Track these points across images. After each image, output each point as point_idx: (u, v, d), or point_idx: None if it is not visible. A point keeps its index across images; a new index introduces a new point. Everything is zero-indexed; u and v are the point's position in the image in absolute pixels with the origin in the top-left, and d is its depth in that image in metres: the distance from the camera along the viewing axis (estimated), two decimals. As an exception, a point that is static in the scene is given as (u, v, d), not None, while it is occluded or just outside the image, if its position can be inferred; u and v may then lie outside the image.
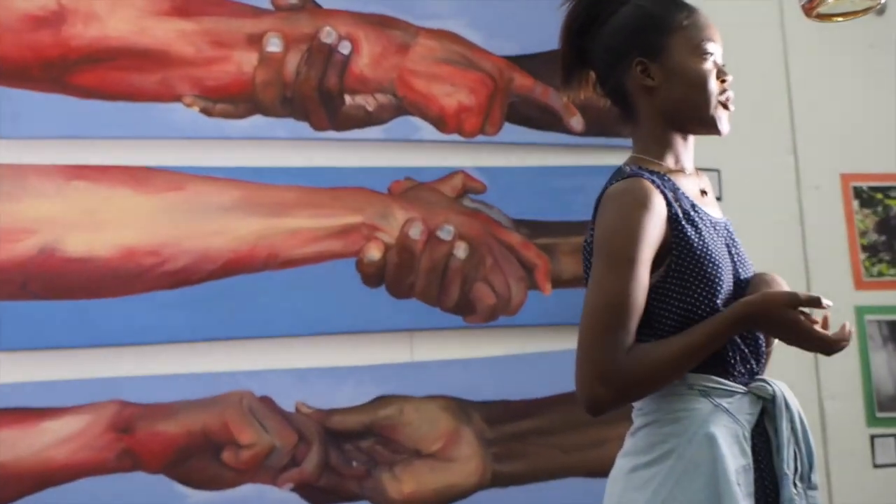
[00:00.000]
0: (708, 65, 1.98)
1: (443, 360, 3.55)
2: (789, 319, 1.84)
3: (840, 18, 3.55)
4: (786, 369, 3.71)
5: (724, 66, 2.01)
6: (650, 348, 1.85)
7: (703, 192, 2.06)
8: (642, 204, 1.88)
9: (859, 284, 4.02)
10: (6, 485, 3.07)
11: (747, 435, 1.88)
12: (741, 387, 1.91)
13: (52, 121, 3.28)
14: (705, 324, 1.87)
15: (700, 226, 1.95)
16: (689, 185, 2.03)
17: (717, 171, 3.89)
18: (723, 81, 2.00)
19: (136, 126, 3.37)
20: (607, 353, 1.81)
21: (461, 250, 3.58)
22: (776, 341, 2.02)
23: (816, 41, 4.16)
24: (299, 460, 3.35)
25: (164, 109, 3.40)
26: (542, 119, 3.78)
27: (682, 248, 1.91)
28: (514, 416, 3.58)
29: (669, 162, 2.02)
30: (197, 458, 3.26)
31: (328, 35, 3.57)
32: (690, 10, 2.02)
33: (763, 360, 1.98)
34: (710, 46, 1.99)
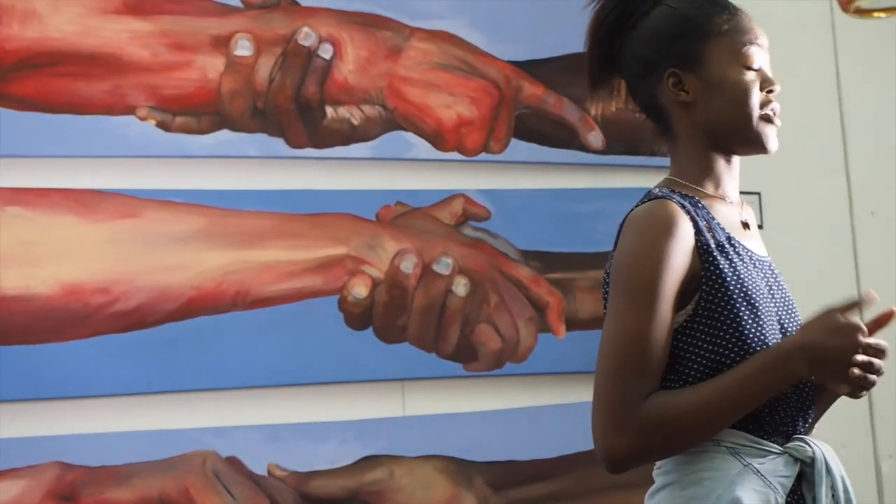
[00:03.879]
0: (751, 75, 1.98)
1: (439, 415, 3.57)
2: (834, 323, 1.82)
3: (883, 14, 3.54)
4: (838, 426, 3.66)
5: (771, 75, 2.01)
6: (674, 395, 1.85)
7: (746, 225, 2.05)
8: (666, 229, 1.88)
9: None
10: (-71, 563, 3.09)
11: (781, 501, 1.86)
12: (776, 446, 1.89)
13: (-16, 137, 3.27)
14: (743, 364, 1.86)
15: (736, 261, 1.94)
16: (729, 215, 2.02)
17: (758, 194, 3.92)
18: (769, 92, 2.00)
19: (82, 142, 3.36)
20: (623, 400, 1.82)
21: (461, 287, 3.58)
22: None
23: (871, 46, 4.22)
24: None
25: (115, 123, 3.39)
26: (556, 134, 3.80)
27: (713, 283, 1.89)
28: (523, 480, 3.59)
29: (708, 187, 2.02)
30: None
31: (307, 37, 3.56)
32: (732, 12, 2.02)
33: (810, 419, 1.97)
34: (754, 53, 1.98)
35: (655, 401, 1.82)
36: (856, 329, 1.83)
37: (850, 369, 1.82)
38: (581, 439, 3.52)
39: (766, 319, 1.91)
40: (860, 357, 1.81)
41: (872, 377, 1.84)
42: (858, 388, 1.85)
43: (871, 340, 1.84)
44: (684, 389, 1.86)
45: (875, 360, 1.83)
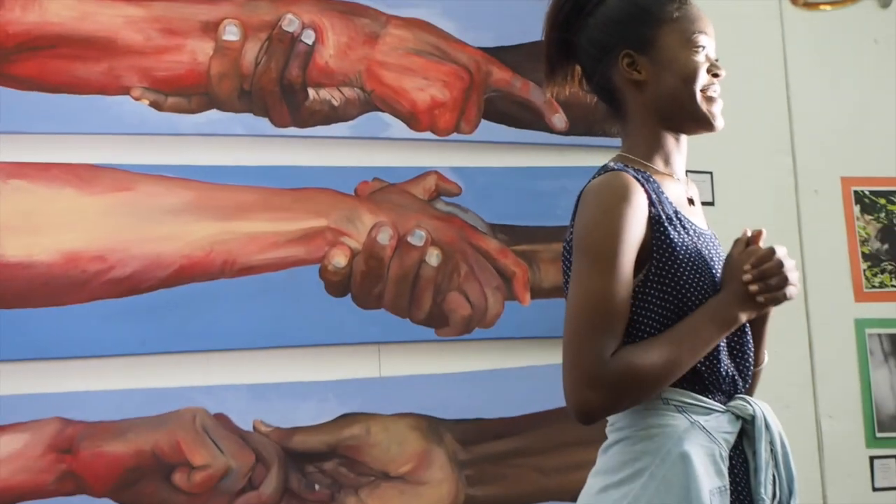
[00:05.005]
0: (700, 57, 2.02)
1: (413, 376, 3.56)
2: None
3: (828, 7, 3.55)
4: (782, 387, 3.75)
5: (717, 60, 2.05)
6: (639, 348, 1.88)
7: (691, 202, 2.09)
8: (623, 197, 1.90)
9: (860, 296, 4.06)
10: (-61, 509, 3.06)
11: (725, 455, 1.91)
12: (719, 405, 1.94)
13: (-12, 114, 3.28)
14: (691, 315, 1.92)
15: (683, 233, 1.98)
16: (676, 191, 2.06)
17: (710, 173, 3.95)
18: (715, 76, 2.03)
19: (79, 120, 3.34)
20: (594, 356, 1.84)
21: (433, 257, 3.57)
22: (764, 363, 2.10)
23: (817, 35, 4.21)
24: (257, 483, 3.35)
25: (111, 102, 3.38)
26: (522, 116, 3.79)
27: (663, 251, 1.94)
28: (490, 436, 3.59)
29: (658, 164, 2.05)
30: (146, 481, 3.26)
31: (290, 23, 3.55)
32: (682, 1, 2.06)
33: (749, 379, 2.02)
34: (702, 39, 2.03)
35: (622, 355, 1.85)
36: (736, 259, 1.93)
37: (748, 289, 1.90)
38: (544, 399, 3.60)
39: (709, 287, 1.95)
40: (746, 276, 1.90)
41: (774, 282, 1.91)
42: (771, 299, 1.92)
43: (754, 259, 1.91)
44: (645, 342, 1.89)
45: (765, 269, 1.90)
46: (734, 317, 1.92)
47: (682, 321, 1.92)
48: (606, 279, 1.87)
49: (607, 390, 1.84)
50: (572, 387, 1.85)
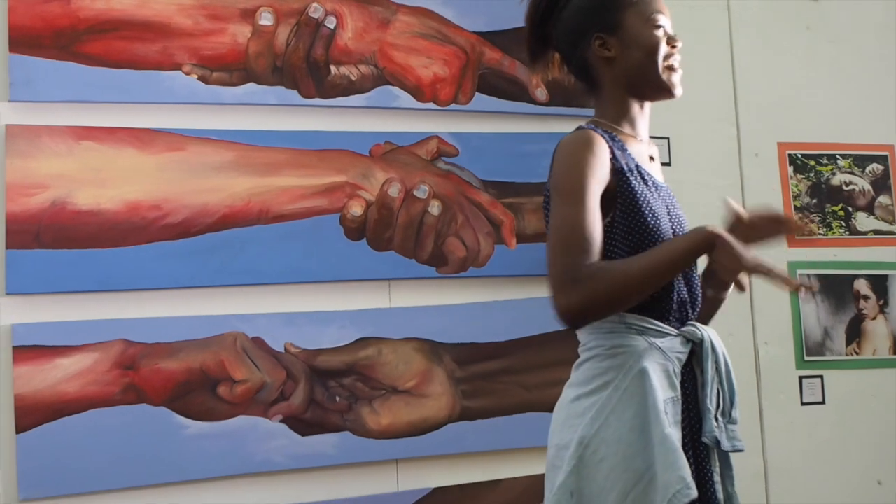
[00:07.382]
0: (659, 33, 2.09)
1: (418, 307, 3.58)
2: (733, 243, 1.91)
3: None
4: (726, 318, 3.77)
5: (674, 35, 2.13)
6: (615, 261, 1.91)
7: (651, 158, 2.16)
8: (587, 146, 1.94)
9: (792, 242, 4.08)
10: (25, 414, 3.09)
11: (677, 371, 1.97)
12: (673, 329, 2.00)
13: (63, 86, 3.25)
14: (665, 244, 1.93)
15: (643, 184, 2.03)
16: (639, 149, 2.12)
17: (668, 138, 3.96)
18: (673, 46, 2.11)
19: (139, 92, 3.34)
20: (570, 264, 1.84)
21: (435, 208, 3.58)
22: (726, 294, 2.17)
23: (759, 22, 4.24)
24: (287, 395, 3.37)
25: (166, 77, 3.37)
26: (510, 90, 3.77)
27: (626, 198, 1.98)
28: (482, 358, 3.62)
29: (625, 127, 2.11)
30: (195, 393, 3.28)
31: (315, 10, 3.54)
32: None
33: (697, 309, 2.10)
34: (660, 18, 2.10)
35: (597, 263, 1.86)
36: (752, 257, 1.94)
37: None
38: (527, 327, 3.64)
39: (664, 230, 2.01)
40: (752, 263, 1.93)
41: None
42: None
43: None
44: (623, 259, 1.90)
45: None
46: (705, 234, 1.90)
47: (659, 245, 1.94)
48: (577, 208, 1.88)
49: (582, 288, 1.81)
50: (556, 291, 1.84)
